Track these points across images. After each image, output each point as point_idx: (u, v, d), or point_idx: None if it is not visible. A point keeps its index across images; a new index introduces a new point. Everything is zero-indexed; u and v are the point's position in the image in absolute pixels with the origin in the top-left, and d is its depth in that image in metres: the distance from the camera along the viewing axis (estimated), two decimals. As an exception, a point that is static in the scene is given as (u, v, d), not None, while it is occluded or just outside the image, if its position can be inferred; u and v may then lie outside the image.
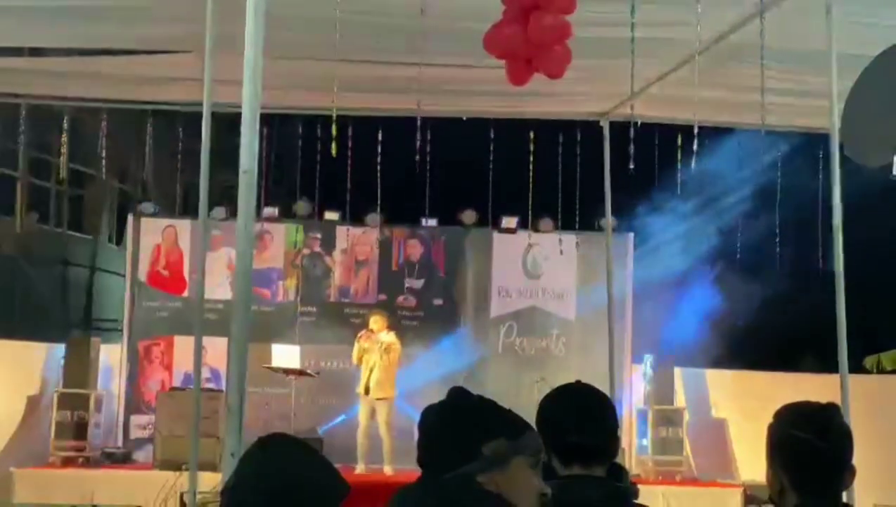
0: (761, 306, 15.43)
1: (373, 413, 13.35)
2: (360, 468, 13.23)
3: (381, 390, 13.27)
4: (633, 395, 14.80)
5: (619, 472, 3.18)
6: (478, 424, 2.58)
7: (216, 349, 12.94)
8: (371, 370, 13.29)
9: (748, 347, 15.24)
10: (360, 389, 13.41)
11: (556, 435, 3.14)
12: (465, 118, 13.57)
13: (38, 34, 10.95)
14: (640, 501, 3.21)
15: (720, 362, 15.20)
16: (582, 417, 3.17)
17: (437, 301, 15.53)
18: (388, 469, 13.18)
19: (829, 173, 8.69)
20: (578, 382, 3.31)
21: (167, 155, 15.04)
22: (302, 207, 15.40)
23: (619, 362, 14.42)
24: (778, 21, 8.87)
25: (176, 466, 11.87)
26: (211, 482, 10.56)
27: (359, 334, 13.56)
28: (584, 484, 3.08)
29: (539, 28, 7.17)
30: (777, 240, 14.26)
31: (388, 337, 13.47)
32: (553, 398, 3.25)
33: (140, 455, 14.15)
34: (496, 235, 15.64)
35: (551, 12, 7.12)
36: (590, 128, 13.79)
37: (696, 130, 10.02)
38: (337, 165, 13.42)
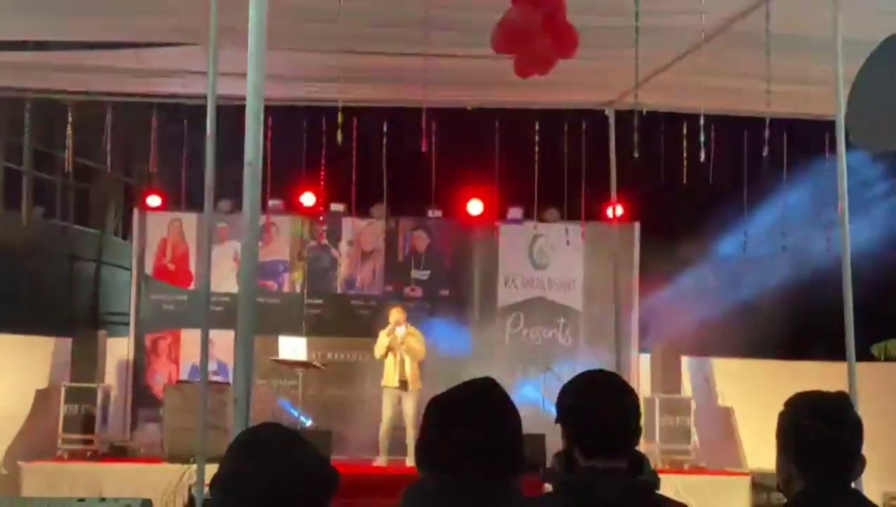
0: (768, 293, 15.37)
1: (399, 406, 13.30)
2: (380, 461, 13.21)
3: (414, 381, 13.25)
4: (640, 384, 14.79)
5: (641, 462, 3.13)
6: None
7: (223, 342, 12.94)
8: (401, 363, 13.27)
9: (754, 335, 15.20)
10: (390, 382, 13.36)
11: (579, 424, 3.09)
12: (470, 108, 13.56)
13: (42, 27, 10.95)
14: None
15: (726, 351, 15.18)
16: (605, 406, 3.09)
17: (444, 292, 15.51)
18: (410, 461, 13.16)
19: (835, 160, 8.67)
20: (602, 370, 3.25)
21: (172, 148, 15.01)
22: (308, 198, 15.39)
23: (626, 351, 14.43)
24: (783, 7, 8.85)
25: (184, 459, 11.87)
26: (219, 474, 10.55)
27: (385, 329, 13.49)
28: (606, 482, 3.04)
29: (511, 20, 7.18)
30: (784, 226, 14.22)
31: (410, 330, 13.45)
32: (576, 387, 3.16)
33: (148, 448, 14.16)
34: (502, 226, 15.61)
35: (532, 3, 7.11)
36: (595, 117, 13.78)
37: (701, 120, 10.01)
38: (342, 156, 13.41)
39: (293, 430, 2.57)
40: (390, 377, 13.35)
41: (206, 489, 8.55)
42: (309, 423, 13.84)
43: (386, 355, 13.35)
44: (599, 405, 3.10)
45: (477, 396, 2.63)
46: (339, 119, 8.99)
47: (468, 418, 2.56)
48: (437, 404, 2.65)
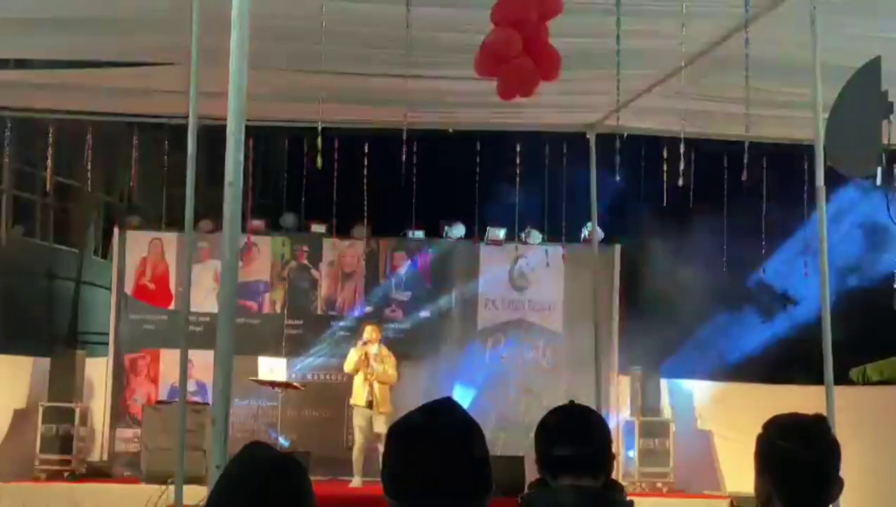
0: (748, 317, 15.43)
1: (369, 426, 13.24)
2: (355, 482, 13.14)
3: (383, 403, 13.19)
4: (620, 406, 14.79)
5: (615, 487, 3.21)
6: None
7: (202, 362, 12.85)
8: (370, 384, 13.22)
9: (734, 358, 15.26)
10: (358, 401, 13.30)
11: (545, 450, 3.19)
12: (451, 130, 13.57)
13: (23, 46, 10.93)
14: None
15: (706, 374, 15.20)
16: (567, 431, 3.25)
17: (424, 313, 15.49)
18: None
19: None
20: (571, 402, 3.41)
21: (153, 168, 15.00)
22: (288, 219, 15.38)
23: (606, 373, 14.42)
24: (763, 32, 8.90)
25: (162, 479, 11.81)
26: (197, 495, 10.48)
27: (357, 345, 13.46)
28: (578, 494, 3.09)
29: (492, 43, 7.22)
30: (763, 250, 14.28)
31: (383, 350, 13.41)
32: (544, 418, 3.36)
33: (126, 469, 14.08)
34: (483, 248, 15.62)
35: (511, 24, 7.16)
36: (576, 140, 13.81)
37: (681, 144, 10.04)
38: (323, 177, 13.40)
39: (287, 454, 2.56)
40: (358, 396, 13.31)
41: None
42: (287, 444, 13.79)
43: (356, 371, 13.31)
44: (560, 431, 3.28)
45: (438, 419, 2.59)
46: (319, 143, 8.98)
47: (431, 443, 2.52)
48: (398, 430, 2.62)
